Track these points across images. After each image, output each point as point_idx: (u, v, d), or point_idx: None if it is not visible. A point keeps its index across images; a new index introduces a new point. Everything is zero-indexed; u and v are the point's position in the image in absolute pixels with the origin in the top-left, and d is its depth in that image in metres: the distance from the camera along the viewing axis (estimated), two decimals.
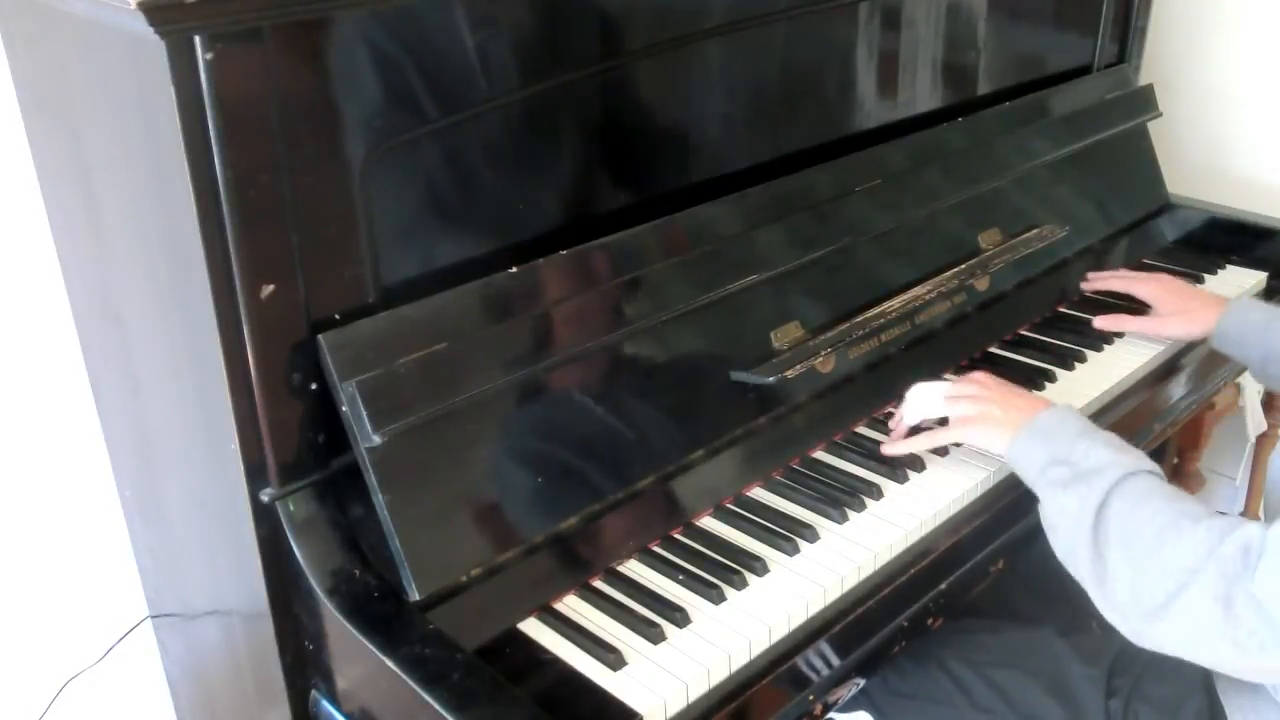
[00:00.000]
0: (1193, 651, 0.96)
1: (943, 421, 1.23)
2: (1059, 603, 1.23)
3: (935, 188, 1.49)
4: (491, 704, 0.88)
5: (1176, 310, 1.47)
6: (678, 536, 1.16)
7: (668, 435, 1.18)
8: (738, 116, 1.34)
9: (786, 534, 1.14)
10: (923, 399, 1.25)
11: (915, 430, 1.26)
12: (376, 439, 0.97)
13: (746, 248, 1.27)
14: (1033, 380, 1.41)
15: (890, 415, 1.35)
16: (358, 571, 1.00)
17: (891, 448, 1.24)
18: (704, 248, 1.23)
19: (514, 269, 1.09)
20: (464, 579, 1.02)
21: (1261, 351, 1.36)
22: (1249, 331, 1.38)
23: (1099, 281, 1.61)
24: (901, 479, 1.23)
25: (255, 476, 1.01)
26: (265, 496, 1.01)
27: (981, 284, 1.51)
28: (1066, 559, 1.05)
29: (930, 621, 1.13)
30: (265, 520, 1.02)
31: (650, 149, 1.27)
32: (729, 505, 1.20)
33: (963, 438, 1.21)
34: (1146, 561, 0.97)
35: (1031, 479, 1.11)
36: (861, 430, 1.33)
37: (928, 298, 1.42)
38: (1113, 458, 1.05)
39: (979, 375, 1.25)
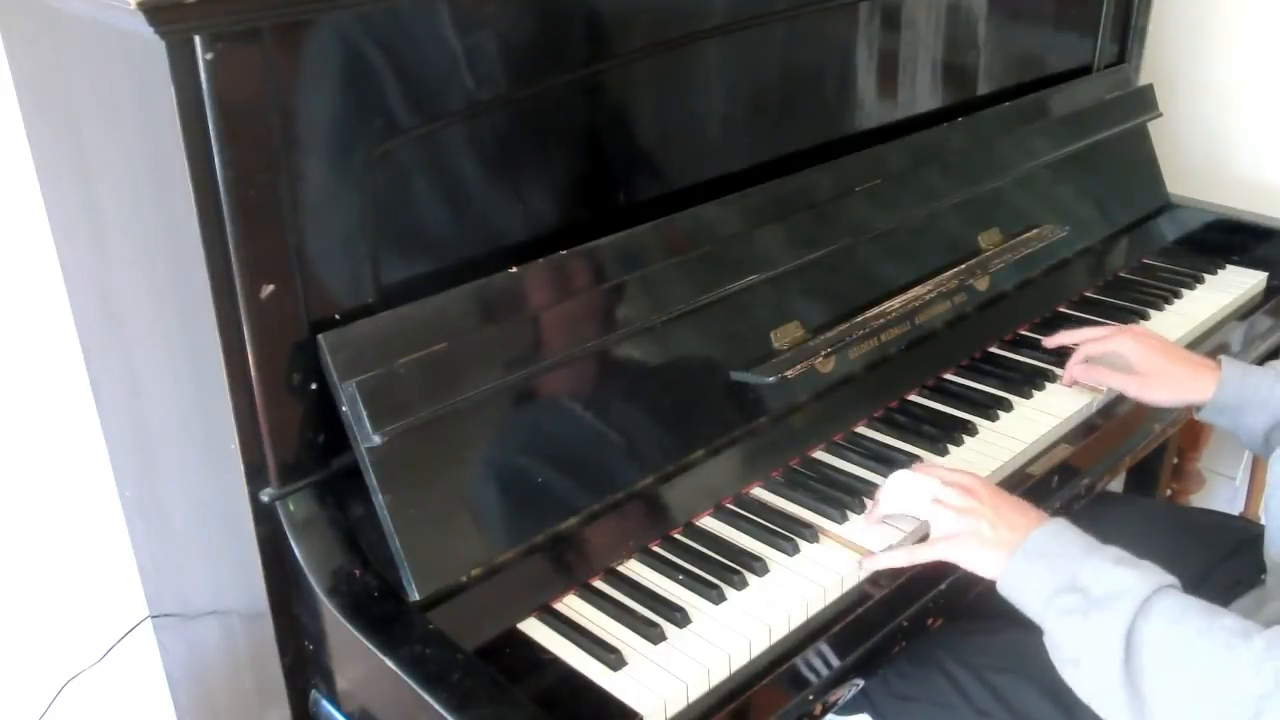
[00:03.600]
0: None
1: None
2: None
3: (935, 188, 1.49)
4: (491, 704, 0.88)
5: (1157, 371, 1.30)
6: (678, 536, 1.16)
7: (668, 435, 1.18)
8: (738, 117, 1.34)
9: (786, 534, 1.14)
10: (905, 492, 1.12)
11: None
12: (376, 439, 0.97)
13: (746, 248, 1.27)
14: (1032, 380, 1.41)
15: (890, 414, 1.35)
16: (358, 571, 1.00)
17: (870, 563, 1.11)
18: (704, 248, 1.23)
19: (514, 269, 1.09)
20: (464, 579, 1.02)
21: (1271, 418, 1.21)
22: (1254, 400, 1.22)
23: (1070, 378, 1.40)
24: None
25: (255, 476, 1.01)
26: (265, 496, 1.01)
27: (981, 284, 1.51)
28: (1094, 699, 0.93)
29: (930, 622, 1.13)
30: (265, 520, 1.02)
31: (650, 149, 1.27)
32: (729, 505, 1.20)
33: (946, 556, 1.06)
34: (1199, 693, 0.86)
35: (1035, 610, 0.97)
36: (861, 430, 1.33)
37: (928, 298, 1.42)
38: (1130, 577, 0.93)
39: (968, 480, 1.09)
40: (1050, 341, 1.44)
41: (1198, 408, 1.28)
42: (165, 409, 1.16)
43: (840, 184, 1.39)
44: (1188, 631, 0.89)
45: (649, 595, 1.07)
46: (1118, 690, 0.90)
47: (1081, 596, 0.94)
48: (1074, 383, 1.40)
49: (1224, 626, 0.88)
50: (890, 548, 1.12)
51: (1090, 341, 1.39)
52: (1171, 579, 0.94)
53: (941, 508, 1.07)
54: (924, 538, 1.11)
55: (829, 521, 1.16)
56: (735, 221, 1.27)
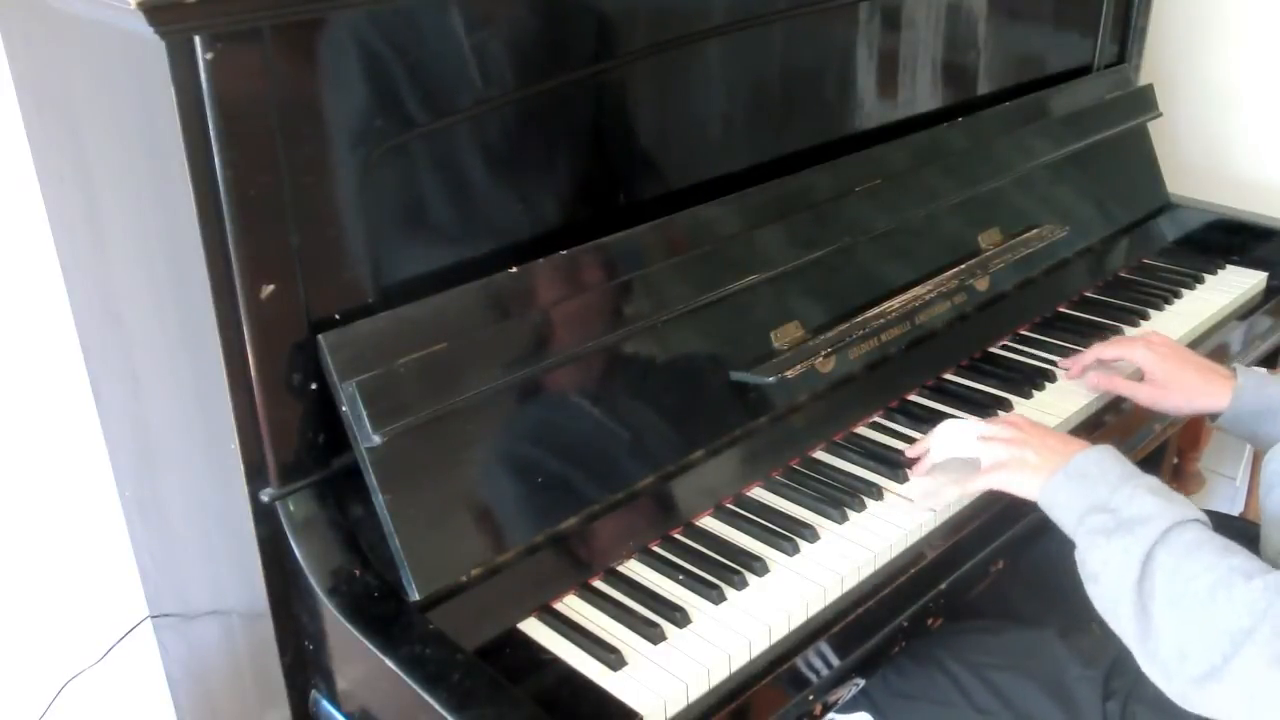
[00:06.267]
0: (1249, 718, 0.89)
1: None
2: (1058, 603, 1.23)
3: (935, 188, 1.49)
4: (491, 704, 0.88)
5: (1172, 380, 1.28)
6: (678, 536, 1.16)
7: (668, 435, 1.18)
8: (738, 117, 1.34)
9: (786, 534, 1.14)
10: (952, 437, 1.19)
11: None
12: (376, 439, 0.97)
13: (746, 248, 1.27)
14: (1033, 380, 1.41)
15: (890, 414, 1.35)
16: (358, 571, 1.00)
17: (929, 500, 1.17)
18: (704, 248, 1.23)
19: (514, 269, 1.09)
20: (464, 579, 1.02)
21: None
22: (1272, 407, 1.21)
23: (1080, 369, 1.40)
24: (901, 479, 1.23)
25: (255, 476, 1.01)
26: (265, 496, 1.01)
27: (981, 284, 1.51)
28: (1107, 613, 0.99)
29: (930, 621, 1.13)
30: (265, 520, 1.02)
31: (651, 149, 1.27)
32: (729, 505, 1.20)
33: (996, 483, 1.12)
34: (1196, 621, 0.91)
35: (1069, 526, 1.03)
36: (861, 430, 1.33)
37: (928, 298, 1.42)
38: (1158, 506, 0.98)
39: (1012, 416, 1.18)
40: (1065, 364, 1.43)
41: (1213, 416, 1.27)
42: (165, 409, 1.16)
43: (840, 184, 1.39)
44: (1197, 564, 0.93)
45: (649, 595, 1.07)
46: (1129, 608, 0.95)
47: (1111, 517, 0.99)
48: (1078, 376, 1.40)
49: (1231, 565, 0.92)
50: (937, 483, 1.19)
51: (1109, 350, 1.37)
52: (1200, 514, 0.98)
53: (989, 442, 1.14)
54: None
55: (830, 521, 1.17)
56: (735, 221, 1.27)
